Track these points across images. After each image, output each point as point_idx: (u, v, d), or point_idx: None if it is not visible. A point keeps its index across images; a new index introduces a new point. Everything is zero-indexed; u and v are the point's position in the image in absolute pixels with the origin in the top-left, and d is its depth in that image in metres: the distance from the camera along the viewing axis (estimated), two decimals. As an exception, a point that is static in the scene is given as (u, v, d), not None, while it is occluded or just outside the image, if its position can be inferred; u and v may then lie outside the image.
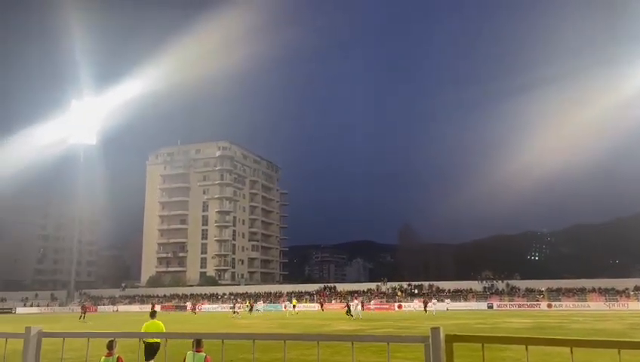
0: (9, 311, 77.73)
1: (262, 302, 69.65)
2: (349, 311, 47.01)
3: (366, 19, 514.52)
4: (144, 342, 12.13)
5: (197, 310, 66.88)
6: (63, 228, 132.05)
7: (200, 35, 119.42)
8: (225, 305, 70.76)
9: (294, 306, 55.84)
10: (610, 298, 60.39)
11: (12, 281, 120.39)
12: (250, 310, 56.54)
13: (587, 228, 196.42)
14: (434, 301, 55.74)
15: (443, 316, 45.66)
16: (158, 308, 77.66)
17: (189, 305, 70.68)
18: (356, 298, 58.90)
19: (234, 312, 53.07)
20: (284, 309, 56.85)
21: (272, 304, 73.02)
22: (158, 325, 13.34)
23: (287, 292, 78.89)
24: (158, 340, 12.19)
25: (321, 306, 64.95)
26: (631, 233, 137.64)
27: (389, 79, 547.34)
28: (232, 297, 76.81)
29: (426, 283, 75.20)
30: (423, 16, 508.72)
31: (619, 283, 64.10)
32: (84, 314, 49.06)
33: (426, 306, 54.22)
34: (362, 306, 61.55)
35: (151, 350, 12.30)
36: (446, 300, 59.50)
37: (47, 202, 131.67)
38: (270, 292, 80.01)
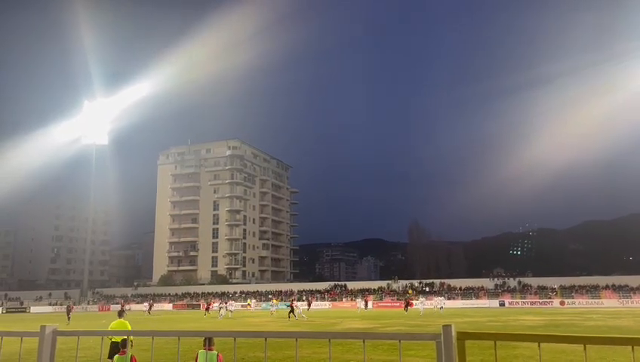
0: (23, 310, 78.75)
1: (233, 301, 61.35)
2: (292, 312, 42.25)
3: (372, 19, 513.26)
4: (110, 339, 12.23)
5: (151, 310, 61.22)
6: (76, 229, 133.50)
7: (209, 36, 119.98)
8: (236, 304, 70.71)
9: (277, 306, 53.75)
10: (624, 295, 59.78)
11: (26, 281, 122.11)
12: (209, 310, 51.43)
13: (599, 225, 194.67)
14: (421, 299, 51.67)
15: (444, 315, 45.33)
16: (169, 306, 78.37)
17: (145, 304, 64.92)
18: (295, 299, 55.90)
19: (220, 310, 50.47)
20: (271, 309, 51.36)
21: (282, 302, 73.22)
22: (125, 325, 13.40)
23: (298, 291, 79.09)
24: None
25: (308, 305, 56.33)
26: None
27: (398, 78, 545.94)
28: (207, 296, 77.18)
29: (437, 281, 74.92)
30: (429, 15, 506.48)
31: (632, 280, 63.31)
32: (69, 315, 45.07)
33: (407, 306, 50.12)
34: (366, 304, 61.52)
35: (116, 349, 11.92)
36: (438, 298, 53.16)
37: (61, 202, 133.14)
38: (280, 291, 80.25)
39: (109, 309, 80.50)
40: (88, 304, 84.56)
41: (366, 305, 61.43)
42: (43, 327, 3.75)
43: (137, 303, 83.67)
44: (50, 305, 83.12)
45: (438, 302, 50.80)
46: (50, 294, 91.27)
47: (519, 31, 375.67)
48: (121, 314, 14.05)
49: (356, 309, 55.67)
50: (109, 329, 13.22)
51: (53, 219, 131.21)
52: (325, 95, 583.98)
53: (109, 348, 12.26)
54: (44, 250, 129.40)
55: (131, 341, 12.55)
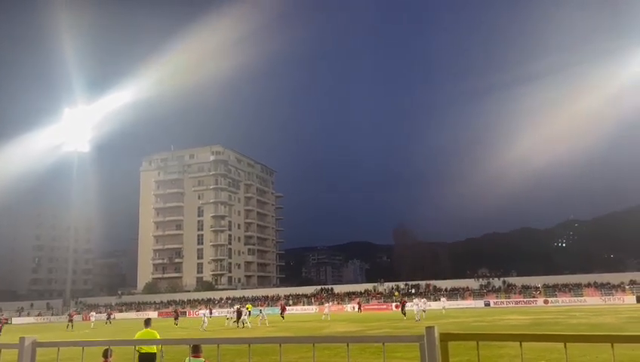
0: (5, 321, 77.11)
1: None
2: (238, 319, 40.47)
3: (359, 22, 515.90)
4: (138, 351, 11.23)
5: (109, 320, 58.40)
6: (58, 237, 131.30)
7: (193, 42, 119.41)
8: (222, 310, 69.99)
9: (249, 313, 48.23)
10: (606, 292, 60.70)
11: (7, 291, 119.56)
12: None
13: (581, 224, 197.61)
14: (415, 300, 46.45)
15: (432, 316, 45.47)
16: (155, 314, 77.41)
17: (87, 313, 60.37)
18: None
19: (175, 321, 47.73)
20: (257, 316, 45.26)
21: (269, 307, 72.89)
22: (153, 334, 12.55)
23: (285, 295, 78.82)
24: (154, 350, 11.48)
25: (282, 311, 51.13)
26: (624, 227, 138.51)
27: (382, 80, 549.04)
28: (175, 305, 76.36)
29: (422, 283, 75.30)
30: (415, 17, 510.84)
31: (614, 278, 64.42)
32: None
33: (403, 307, 45.59)
34: (359, 307, 61.77)
35: (145, 360, 11.52)
36: (423, 299, 48.70)
37: (41, 211, 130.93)
38: (267, 296, 79.89)
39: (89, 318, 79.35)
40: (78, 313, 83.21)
41: (359, 308, 61.42)
42: (22, 339, 3.67)
43: (122, 312, 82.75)
44: (31, 316, 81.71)
45: (422, 305, 45.11)
46: (32, 305, 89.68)
47: (504, 30, 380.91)
48: (147, 323, 13.08)
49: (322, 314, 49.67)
50: (136, 338, 12.24)
51: (33, 228, 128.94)
52: (309, 99, 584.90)
53: (137, 360, 11.52)
54: (24, 260, 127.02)
55: (160, 349, 11.96)
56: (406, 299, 56.68)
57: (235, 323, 40.85)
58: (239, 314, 41.84)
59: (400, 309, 46.79)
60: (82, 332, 43.12)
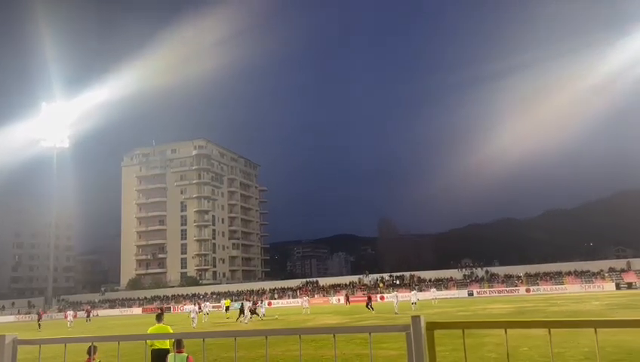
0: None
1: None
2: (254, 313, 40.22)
3: (342, 19, 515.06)
4: (151, 346, 10.85)
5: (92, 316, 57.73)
6: (38, 235, 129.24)
7: (176, 39, 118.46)
8: (208, 304, 69.39)
9: (227, 308, 49.81)
10: (586, 280, 61.88)
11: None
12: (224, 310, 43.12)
13: (561, 213, 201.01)
14: (394, 293, 44.20)
15: (419, 307, 45.82)
16: (139, 311, 76.76)
17: (70, 313, 54.68)
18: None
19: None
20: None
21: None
22: (166, 329, 11.88)
23: (270, 289, 78.83)
24: (167, 346, 10.85)
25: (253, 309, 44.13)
26: (603, 216, 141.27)
27: (366, 77, 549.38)
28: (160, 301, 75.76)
29: (407, 274, 75.87)
30: (398, 11, 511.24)
31: (593, 266, 65.73)
32: None
33: (369, 302, 40.86)
34: (347, 299, 61.84)
35: (159, 357, 10.73)
36: (413, 291, 45.37)
37: (21, 208, 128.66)
38: (252, 290, 79.81)
39: (75, 316, 78.34)
40: (53, 311, 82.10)
41: (347, 300, 61.09)
42: (2, 337, 3.60)
43: (105, 309, 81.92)
44: (12, 314, 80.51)
45: (411, 296, 43.03)
46: (13, 303, 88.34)
47: (485, 22, 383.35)
48: (159, 318, 12.35)
49: (302, 308, 48.67)
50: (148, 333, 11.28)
51: (13, 225, 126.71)
52: (293, 94, 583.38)
53: (150, 357, 10.74)
54: (4, 258, 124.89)
55: (173, 345, 11.64)
56: (370, 293, 56.00)
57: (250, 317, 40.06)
58: (242, 308, 41.39)
59: (366, 304, 41.08)
60: (61, 331, 42.56)
